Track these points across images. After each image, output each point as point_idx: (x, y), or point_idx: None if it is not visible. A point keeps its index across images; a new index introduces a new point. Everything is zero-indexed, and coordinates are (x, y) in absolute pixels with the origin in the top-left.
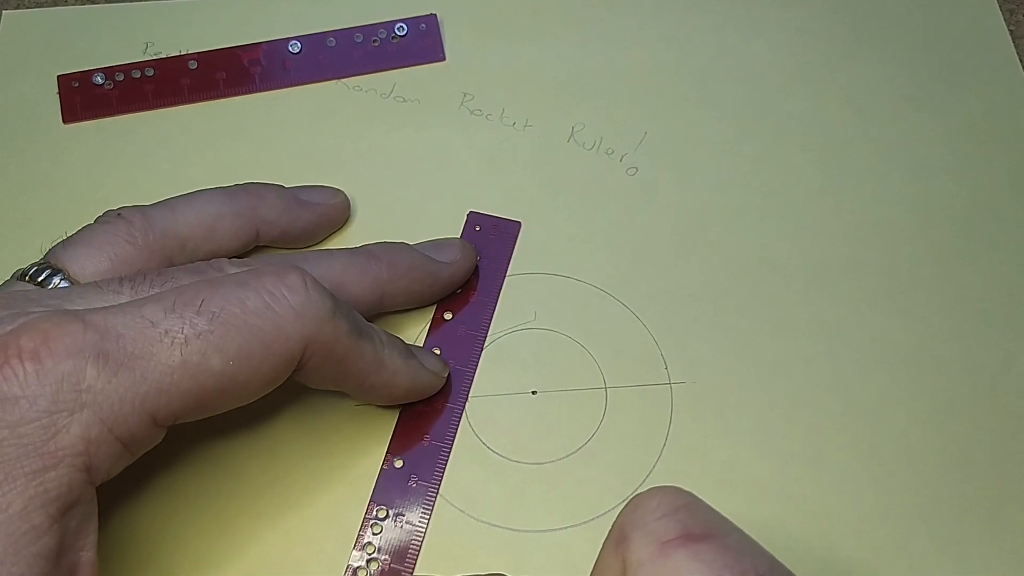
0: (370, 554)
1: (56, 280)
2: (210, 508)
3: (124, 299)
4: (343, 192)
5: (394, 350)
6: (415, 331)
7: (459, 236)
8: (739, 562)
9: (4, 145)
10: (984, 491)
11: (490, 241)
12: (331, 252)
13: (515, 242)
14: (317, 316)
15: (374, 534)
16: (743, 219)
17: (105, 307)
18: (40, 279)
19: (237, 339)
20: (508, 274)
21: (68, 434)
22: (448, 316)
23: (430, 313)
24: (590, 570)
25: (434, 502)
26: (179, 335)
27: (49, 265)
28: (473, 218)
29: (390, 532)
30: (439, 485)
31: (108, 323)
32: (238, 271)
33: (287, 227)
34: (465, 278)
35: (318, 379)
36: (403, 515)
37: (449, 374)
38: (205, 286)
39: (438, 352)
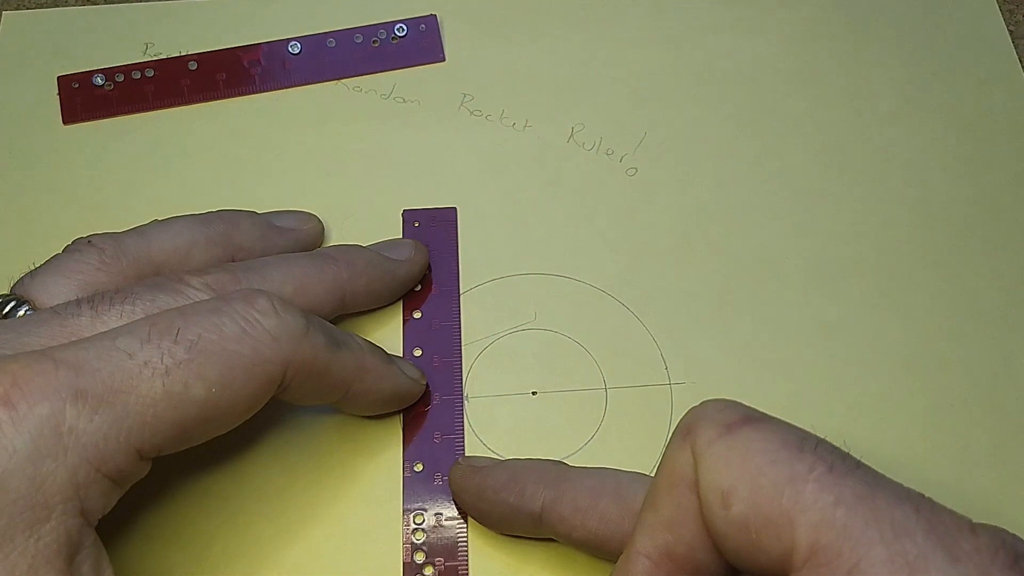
0: (420, 561)
1: (22, 311)
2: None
3: (84, 320)
4: (316, 216)
5: (375, 354)
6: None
7: (401, 236)
8: (797, 437)
9: (4, 146)
10: (984, 492)
11: (432, 233)
12: (289, 257)
13: (456, 227)
14: (292, 336)
15: (418, 541)
16: (743, 219)
17: (74, 342)
18: (4, 312)
19: (217, 366)
20: (508, 274)
21: (56, 481)
22: (417, 315)
23: (399, 316)
24: (590, 570)
25: None
26: (159, 365)
27: (15, 296)
28: (408, 215)
29: (434, 533)
30: None
31: (80, 358)
32: (203, 296)
33: (262, 253)
34: (421, 274)
35: (304, 396)
36: (441, 513)
37: (440, 369)
38: (177, 314)
39: (419, 353)
